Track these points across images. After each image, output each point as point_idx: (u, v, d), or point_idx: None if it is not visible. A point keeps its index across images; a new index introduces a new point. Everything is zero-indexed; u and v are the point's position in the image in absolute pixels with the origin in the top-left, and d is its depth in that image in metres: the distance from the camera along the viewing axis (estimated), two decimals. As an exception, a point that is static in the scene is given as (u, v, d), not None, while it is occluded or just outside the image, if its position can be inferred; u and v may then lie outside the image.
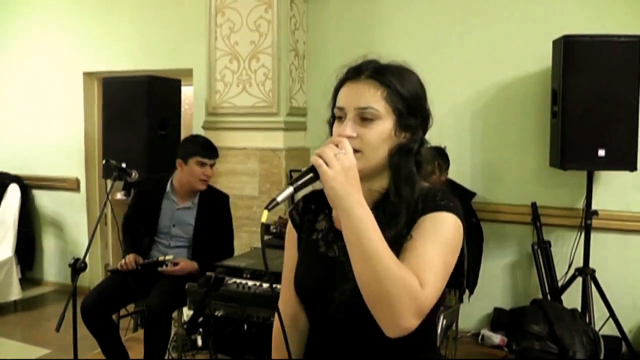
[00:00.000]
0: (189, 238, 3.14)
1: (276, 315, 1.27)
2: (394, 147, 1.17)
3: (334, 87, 1.23)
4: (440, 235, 1.10)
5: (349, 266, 1.08)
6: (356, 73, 1.19)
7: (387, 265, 1.02)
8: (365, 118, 1.15)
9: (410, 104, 1.18)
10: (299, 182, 1.08)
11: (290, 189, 1.08)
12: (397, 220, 1.14)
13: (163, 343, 2.95)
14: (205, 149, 3.11)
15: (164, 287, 2.95)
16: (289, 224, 1.35)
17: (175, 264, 3.01)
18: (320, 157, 1.06)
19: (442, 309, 2.41)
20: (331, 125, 1.24)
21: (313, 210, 1.32)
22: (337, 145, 1.08)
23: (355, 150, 1.12)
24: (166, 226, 3.14)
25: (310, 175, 1.08)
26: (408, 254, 1.08)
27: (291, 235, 1.35)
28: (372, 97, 1.16)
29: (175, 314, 3.28)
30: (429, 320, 1.16)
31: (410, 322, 1.03)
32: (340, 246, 1.21)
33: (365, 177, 1.15)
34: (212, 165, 3.13)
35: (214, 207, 3.19)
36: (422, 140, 1.22)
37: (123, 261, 3.04)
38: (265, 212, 1.06)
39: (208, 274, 2.34)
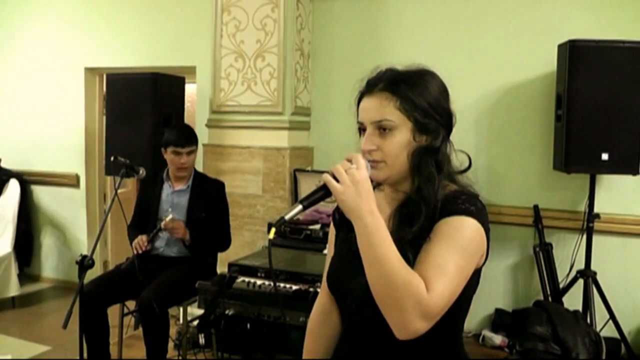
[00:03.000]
0: (184, 220, 3.18)
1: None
2: (413, 150, 1.20)
3: (355, 101, 1.27)
4: (455, 239, 1.12)
5: None
6: (372, 86, 1.23)
7: (393, 269, 1.05)
8: (383, 129, 1.20)
9: (425, 109, 1.21)
10: (309, 200, 1.13)
11: (299, 207, 1.12)
12: (417, 219, 1.17)
13: (161, 340, 2.93)
14: (178, 138, 3.15)
15: (156, 284, 2.95)
16: (331, 223, 1.41)
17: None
18: (332, 173, 1.11)
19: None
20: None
21: None
22: (350, 161, 1.13)
23: (379, 161, 1.19)
24: (164, 210, 3.22)
25: (321, 192, 1.13)
26: (422, 256, 1.11)
27: (332, 233, 1.41)
28: (385, 108, 1.19)
29: (177, 312, 3.28)
30: (449, 321, 1.18)
31: (415, 325, 1.05)
32: None
33: (393, 183, 1.25)
34: (189, 153, 3.16)
35: (208, 191, 3.26)
36: (444, 140, 1.24)
37: (135, 242, 3.06)
38: (273, 230, 1.11)
39: (221, 272, 2.34)
